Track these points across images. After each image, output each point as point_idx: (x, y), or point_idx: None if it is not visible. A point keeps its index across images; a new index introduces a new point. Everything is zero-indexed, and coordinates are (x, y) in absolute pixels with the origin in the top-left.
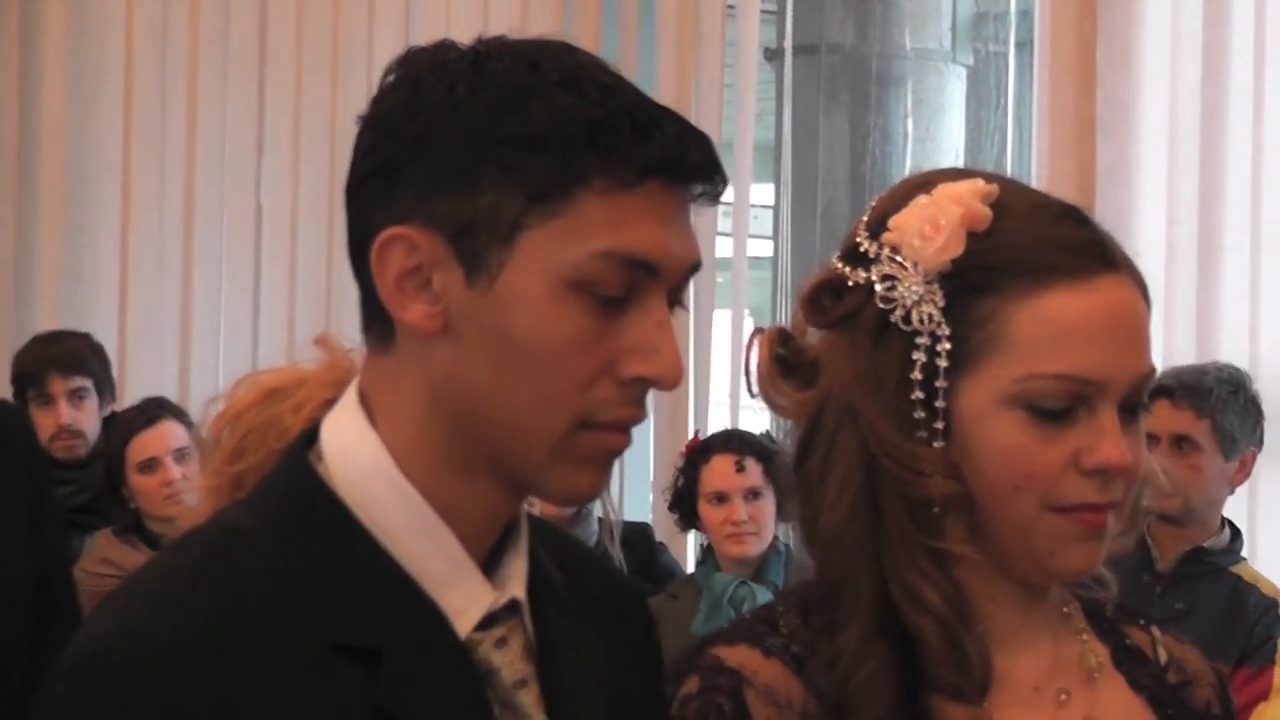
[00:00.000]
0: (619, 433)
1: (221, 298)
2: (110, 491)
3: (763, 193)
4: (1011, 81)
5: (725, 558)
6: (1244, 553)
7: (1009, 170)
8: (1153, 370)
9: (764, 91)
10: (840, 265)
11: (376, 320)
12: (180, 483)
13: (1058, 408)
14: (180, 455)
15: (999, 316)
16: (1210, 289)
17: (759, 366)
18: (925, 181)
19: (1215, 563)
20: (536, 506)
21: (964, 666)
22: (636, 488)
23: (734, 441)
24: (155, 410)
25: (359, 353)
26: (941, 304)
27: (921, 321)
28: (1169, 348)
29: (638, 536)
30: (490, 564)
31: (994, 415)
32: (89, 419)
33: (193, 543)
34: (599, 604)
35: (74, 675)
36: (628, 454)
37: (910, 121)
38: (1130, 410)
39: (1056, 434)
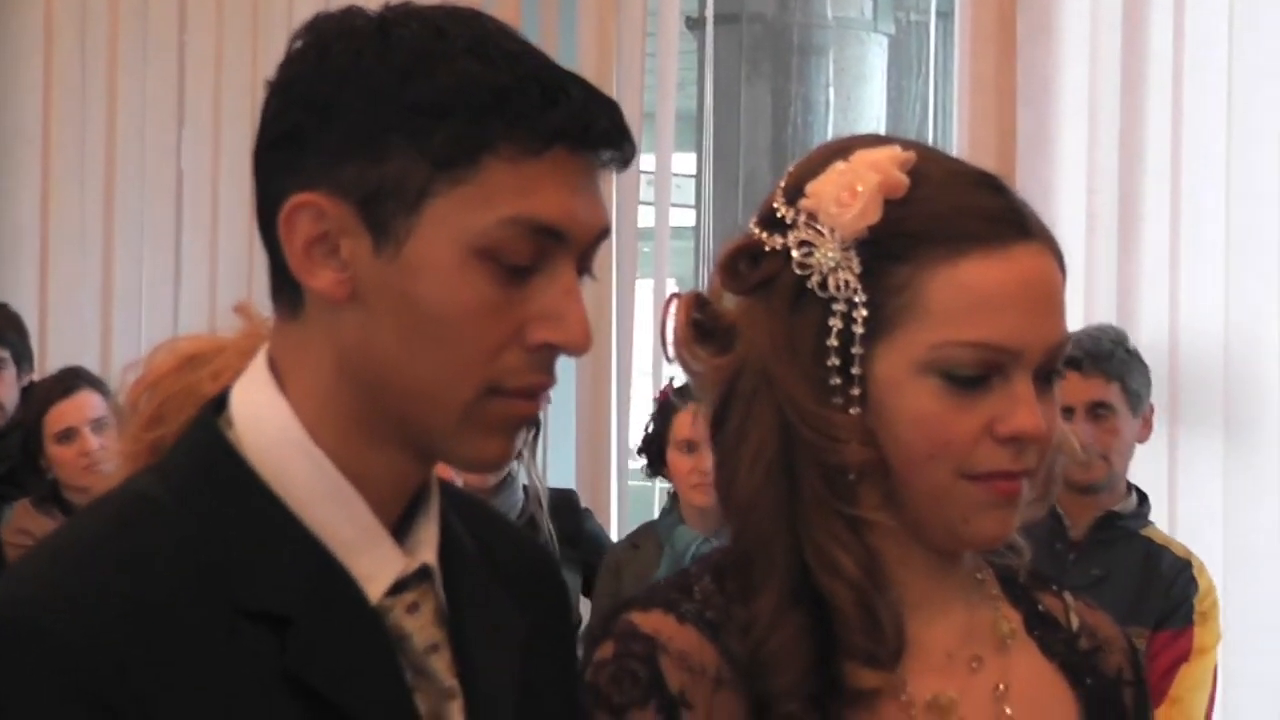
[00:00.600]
0: (527, 399)
1: (142, 267)
2: (28, 462)
3: (685, 162)
4: (933, 51)
5: (689, 507)
6: (1165, 520)
7: (930, 139)
8: (1067, 338)
9: (685, 61)
10: (757, 231)
11: (285, 287)
12: (98, 453)
13: (973, 375)
14: (98, 425)
15: (915, 284)
16: (1130, 258)
17: (675, 331)
18: (842, 148)
19: (1127, 527)
20: (460, 479)
21: (877, 632)
22: (560, 455)
23: None
24: (73, 380)
25: None
26: (858, 270)
27: (838, 288)
28: (1089, 317)
29: (562, 503)
30: (401, 530)
31: (909, 382)
32: (7, 389)
33: (101, 508)
34: (512, 570)
35: None
36: (551, 422)
37: (832, 90)
38: (1045, 378)
39: (971, 402)
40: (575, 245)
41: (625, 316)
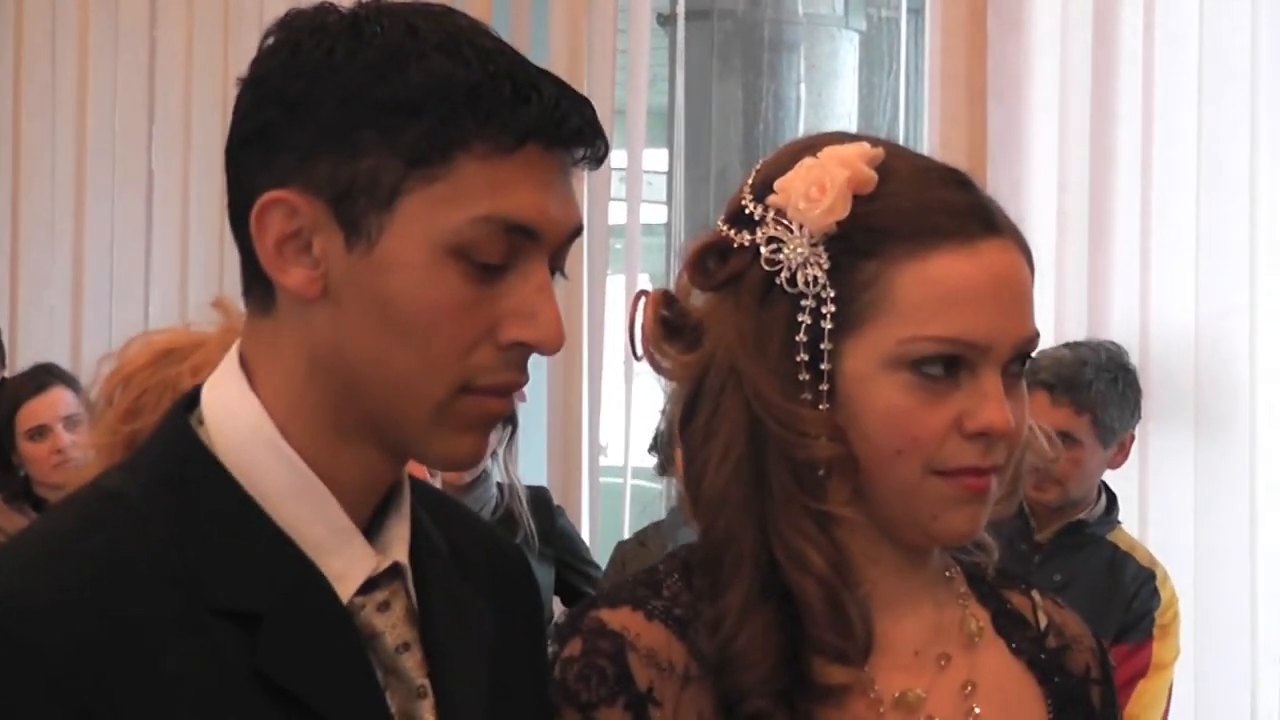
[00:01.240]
0: (499, 397)
1: (113, 263)
2: (0, 459)
3: (656, 158)
4: (904, 47)
5: None
6: (1135, 517)
7: (901, 136)
8: (1036, 334)
9: (657, 57)
10: (725, 228)
11: (257, 284)
12: (70, 450)
13: (941, 371)
14: (70, 422)
15: (883, 279)
16: (1101, 255)
17: (644, 328)
18: (811, 145)
19: (1093, 533)
20: (439, 478)
21: (846, 629)
22: (531, 453)
23: None
24: (45, 377)
25: None
26: (826, 266)
27: (806, 284)
28: (1060, 314)
29: (535, 500)
30: (372, 528)
31: (878, 378)
32: None
33: (70, 507)
34: (483, 568)
35: None
36: (523, 419)
37: (803, 87)
38: (1014, 374)
39: (939, 397)
40: (548, 243)
41: (596, 313)
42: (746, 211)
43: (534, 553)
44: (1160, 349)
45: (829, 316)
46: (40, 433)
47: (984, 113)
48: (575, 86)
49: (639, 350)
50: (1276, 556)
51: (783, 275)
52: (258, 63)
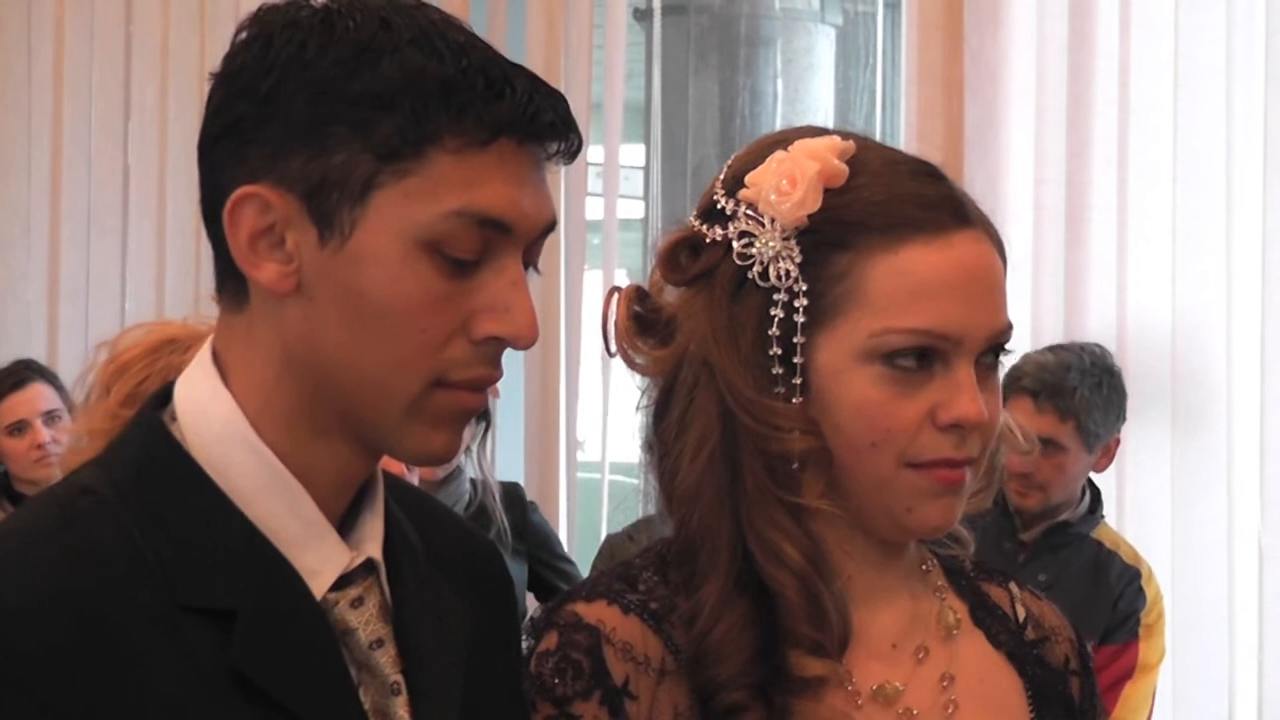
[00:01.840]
0: (473, 392)
1: (89, 259)
2: None
3: (633, 153)
4: (880, 42)
5: None
6: (1114, 510)
7: (878, 130)
8: (1009, 325)
9: (633, 52)
10: (697, 222)
11: (230, 279)
12: (50, 445)
13: (913, 362)
14: (50, 418)
15: (855, 272)
16: (1078, 250)
17: (616, 324)
18: (782, 139)
19: (1078, 531)
20: (416, 474)
21: (822, 621)
22: (509, 448)
23: None
24: (24, 373)
25: None
26: (798, 260)
27: (779, 277)
28: (1037, 309)
29: (508, 496)
30: (346, 524)
31: (850, 370)
32: None
33: (42, 504)
34: (456, 564)
35: None
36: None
37: (780, 82)
38: (987, 365)
39: (912, 389)
40: (521, 238)
41: (573, 309)
42: (718, 206)
43: (507, 548)
44: (1137, 344)
45: (801, 310)
46: (20, 428)
47: (961, 107)
48: (552, 82)
49: (612, 347)
50: (1253, 550)
51: (755, 269)
52: (230, 58)
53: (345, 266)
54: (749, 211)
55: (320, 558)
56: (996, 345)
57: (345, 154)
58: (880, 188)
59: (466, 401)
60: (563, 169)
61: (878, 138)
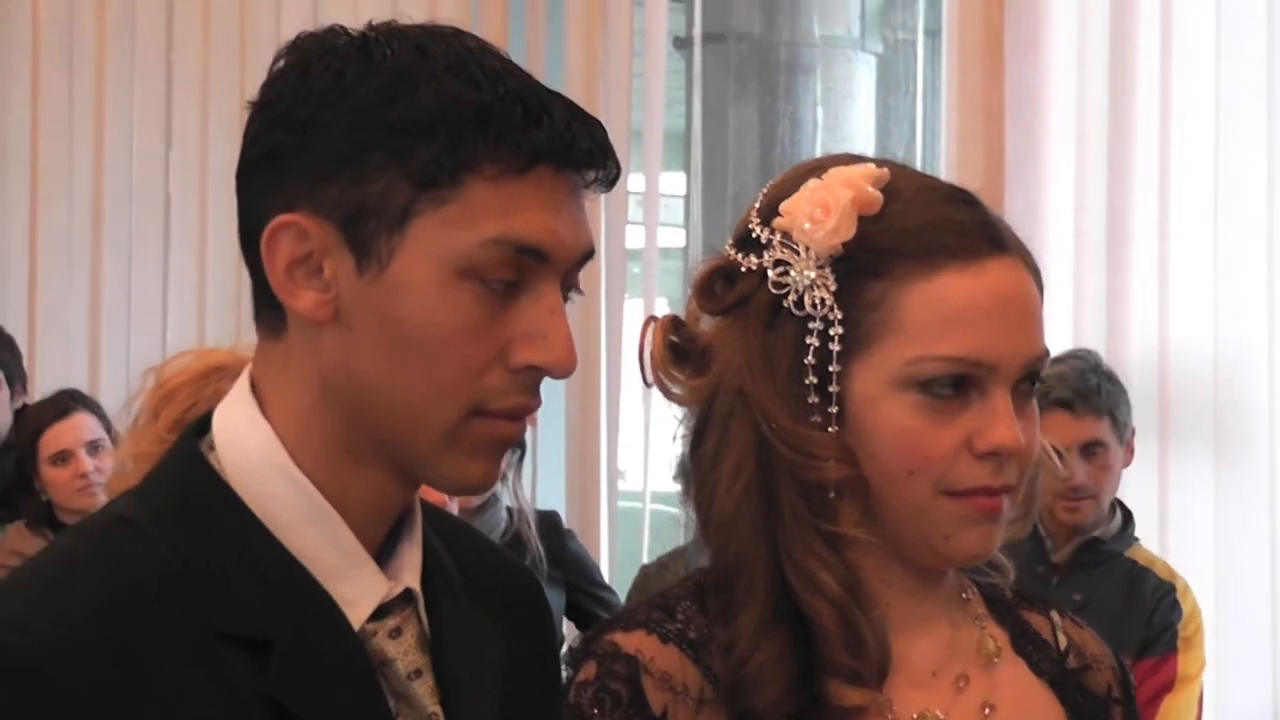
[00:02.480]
0: (511, 421)
1: (131, 288)
2: (22, 484)
3: (673, 182)
4: (920, 69)
5: None
6: (1155, 539)
7: (918, 158)
8: (1045, 352)
9: (673, 80)
10: (733, 251)
11: (267, 308)
12: (93, 475)
13: (950, 390)
14: (93, 447)
15: (890, 299)
16: (1119, 276)
17: (652, 354)
18: (816, 166)
19: (1110, 550)
20: (455, 504)
21: (860, 650)
22: (549, 476)
23: None
24: (68, 402)
25: None
26: (833, 288)
27: (814, 306)
28: (1078, 336)
29: (545, 524)
30: (384, 554)
31: (886, 399)
32: (0, 410)
33: (78, 534)
34: (494, 593)
35: None
36: (540, 443)
37: (820, 109)
38: (1023, 393)
39: (949, 417)
40: (559, 265)
41: (614, 337)
42: (753, 235)
43: (543, 576)
44: (1179, 370)
45: (837, 338)
46: (63, 458)
47: (1001, 134)
48: (591, 110)
49: (648, 377)
50: None
51: (790, 298)
52: (268, 86)
53: (383, 295)
54: (784, 240)
55: (358, 588)
56: (1033, 372)
57: (383, 182)
58: (915, 215)
59: (504, 430)
60: (603, 197)
61: (918, 165)
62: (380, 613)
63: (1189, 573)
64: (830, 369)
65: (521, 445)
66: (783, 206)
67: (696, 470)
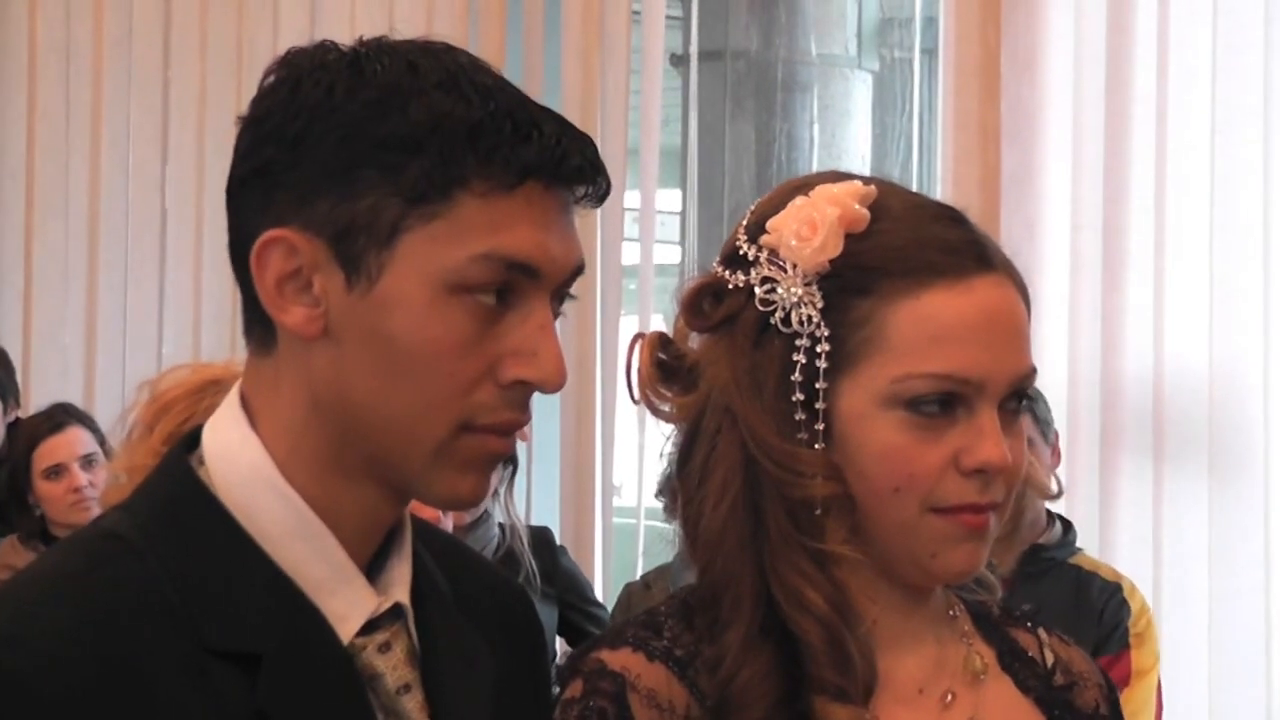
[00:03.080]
0: (501, 436)
1: (126, 303)
2: (16, 498)
3: (669, 199)
4: (917, 88)
5: None
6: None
7: (914, 176)
8: (1032, 370)
9: (669, 98)
10: (720, 269)
11: (257, 323)
12: (87, 489)
13: (936, 408)
14: (87, 462)
15: (877, 317)
16: (1115, 296)
17: (639, 371)
18: (804, 184)
19: (1054, 558)
20: (450, 520)
21: (847, 667)
22: (544, 494)
23: None
24: (62, 416)
25: None
26: (820, 305)
27: (801, 323)
28: (1074, 355)
29: (537, 540)
30: (373, 568)
31: (873, 416)
32: None
33: (68, 549)
34: (484, 608)
35: None
36: (535, 459)
37: (816, 127)
38: (1011, 410)
39: (936, 435)
40: (549, 281)
41: (609, 353)
42: (741, 252)
43: (536, 593)
44: (1174, 388)
45: (824, 356)
46: (57, 472)
47: (997, 153)
48: (588, 128)
49: (635, 394)
50: None
51: (777, 315)
52: (258, 101)
53: (372, 310)
54: (771, 257)
55: (347, 602)
56: (1020, 389)
57: (373, 198)
58: (902, 232)
59: (494, 446)
60: (599, 214)
61: (914, 183)
62: (369, 627)
63: (1184, 590)
64: (817, 386)
65: (514, 461)
66: (770, 224)
67: (684, 487)
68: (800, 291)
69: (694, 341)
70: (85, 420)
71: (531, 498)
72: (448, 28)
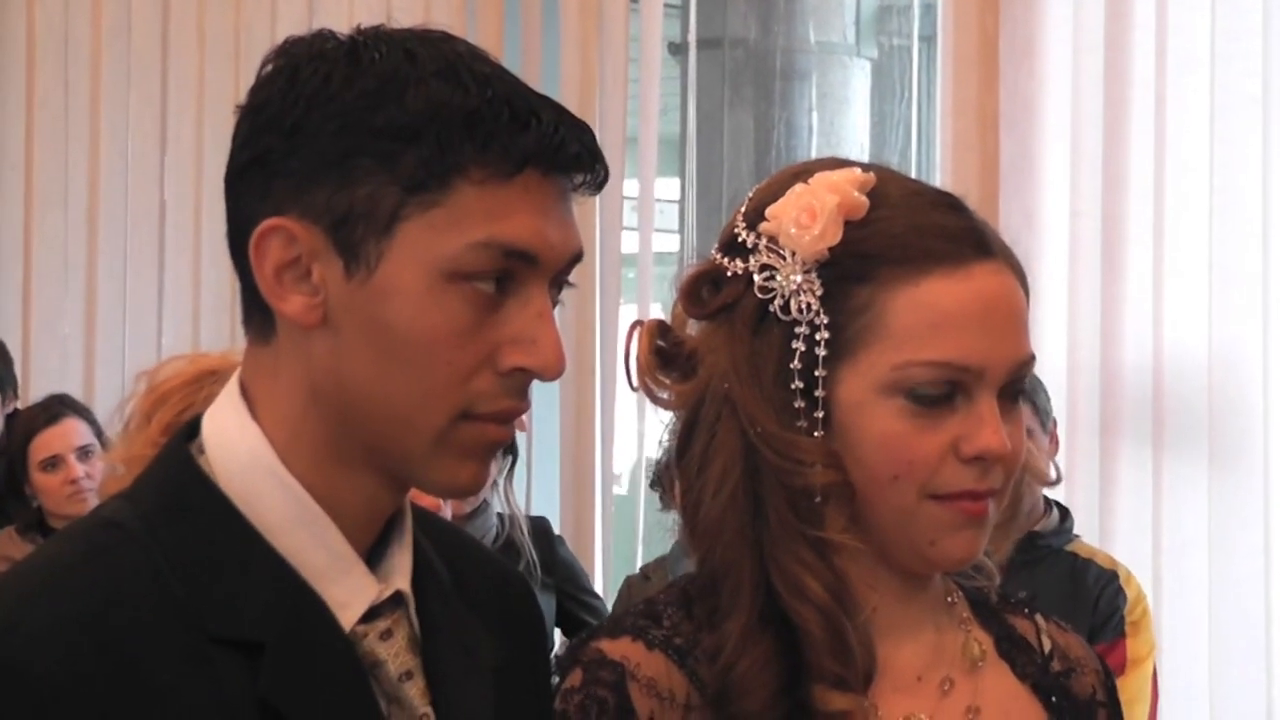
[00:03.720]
0: (500, 424)
1: (126, 294)
2: (13, 489)
3: (668, 187)
4: (915, 75)
5: None
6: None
7: (913, 164)
8: (1031, 357)
9: (668, 86)
10: (719, 256)
11: (256, 312)
12: (84, 480)
13: (936, 395)
14: (83, 453)
15: (876, 305)
16: (1114, 282)
17: (638, 358)
18: (803, 171)
19: (1050, 545)
20: (449, 509)
21: (846, 655)
22: (543, 483)
23: None
24: (58, 408)
25: None
26: (819, 293)
27: (800, 311)
28: (1073, 341)
29: (535, 530)
30: (374, 556)
31: (872, 404)
32: None
33: (68, 538)
34: (485, 596)
35: None
36: (535, 449)
37: (815, 115)
38: (1010, 397)
39: (935, 422)
40: (547, 269)
41: (608, 342)
42: (740, 239)
43: (536, 582)
44: (1173, 376)
45: (823, 343)
46: (53, 463)
47: (996, 140)
48: (586, 116)
49: (634, 381)
50: None
51: (776, 303)
52: (256, 90)
53: (371, 299)
54: (770, 245)
55: (348, 590)
56: (1019, 377)
57: (371, 186)
58: (901, 220)
59: (493, 434)
60: (598, 202)
61: (913, 171)
62: (371, 615)
63: (1183, 577)
64: (816, 374)
65: (513, 451)
66: (768, 211)
67: (683, 475)
68: (799, 279)
69: (693, 329)
70: (82, 411)
71: (531, 487)
72: (445, 16)
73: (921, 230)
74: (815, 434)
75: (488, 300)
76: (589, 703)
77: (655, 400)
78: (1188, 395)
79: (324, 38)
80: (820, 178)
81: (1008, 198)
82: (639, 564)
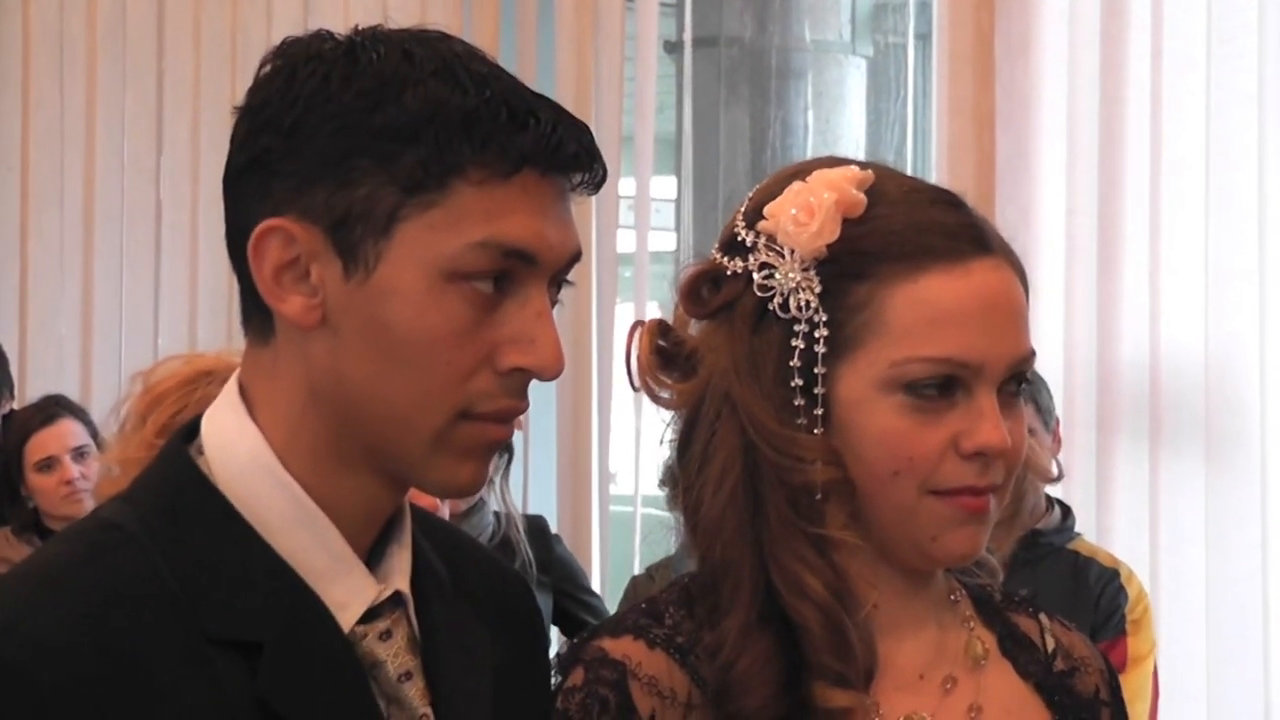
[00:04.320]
0: (499, 424)
1: (122, 294)
2: (8, 490)
3: (664, 185)
4: (911, 73)
5: None
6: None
7: (909, 162)
8: (1031, 353)
9: (664, 84)
10: (718, 255)
11: (255, 312)
12: (79, 481)
13: (935, 391)
14: (79, 454)
15: (875, 301)
16: (1110, 280)
17: (639, 358)
18: (801, 170)
19: (1052, 543)
20: (447, 508)
21: (847, 653)
22: (540, 482)
23: None
24: (54, 409)
25: None
26: (818, 290)
27: (799, 308)
28: (1069, 339)
29: (532, 529)
30: (373, 557)
31: (872, 400)
32: None
33: (68, 539)
34: (483, 595)
35: None
36: (532, 449)
37: (810, 113)
38: (1010, 393)
39: (935, 418)
40: (546, 268)
41: (605, 341)
42: (739, 238)
43: (532, 581)
44: (1170, 373)
45: (822, 341)
46: (49, 464)
47: (992, 138)
48: (582, 115)
49: (635, 381)
50: None
51: (775, 301)
52: (254, 91)
53: (370, 299)
54: (768, 243)
55: (348, 590)
56: (1019, 373)
57: (369, 186)
58: (899, 217)
59: (493, 433)
60: (594, 201)
61: (909, 169)
62: (370, 615)
63: (1180, 574)
64: (816, 371)
65: (510, 449)
66: (767, 209)
67: (683, 474)
68: (798, 277)
69: (693, 328)
70: (77, 412)
71: (528, 486)
72: (442, 16)
73: (920, 227)
74: (815, 431)
75: (486, 300)
76: (590, 701)
77: (656, 400)
78: (1184, 392)
79: (322, 38)
80: (818, 175)
81: (1004, 196)
82: (637, 563)
